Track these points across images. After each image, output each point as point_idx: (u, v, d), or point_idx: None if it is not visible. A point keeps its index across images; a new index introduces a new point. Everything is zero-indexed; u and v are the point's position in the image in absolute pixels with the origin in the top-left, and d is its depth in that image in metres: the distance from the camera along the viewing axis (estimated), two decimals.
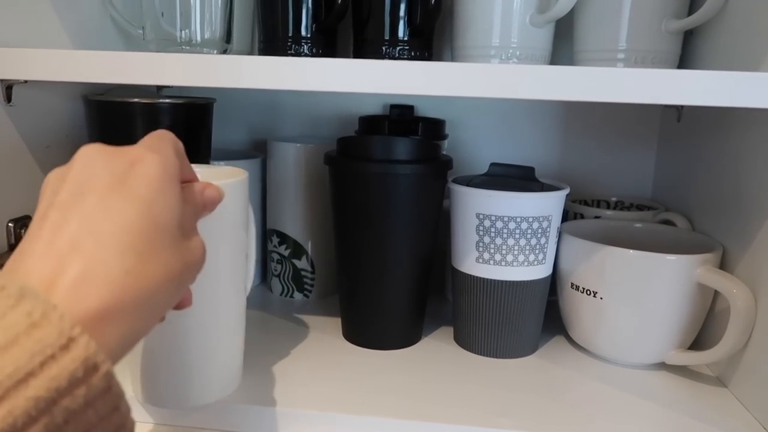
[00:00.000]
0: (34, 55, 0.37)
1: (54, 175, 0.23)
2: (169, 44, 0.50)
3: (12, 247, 0.40)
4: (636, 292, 0.41)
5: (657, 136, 0.59)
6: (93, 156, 0.22)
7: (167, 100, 0.48)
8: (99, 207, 0.21)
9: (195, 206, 0.26)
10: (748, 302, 0.38)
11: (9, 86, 0.40)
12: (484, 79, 0.35)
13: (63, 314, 0.18)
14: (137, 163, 0.22)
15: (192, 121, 0.49)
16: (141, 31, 0.51)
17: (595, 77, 0.34)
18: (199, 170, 0.31)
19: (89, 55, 0.37)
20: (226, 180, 0.34)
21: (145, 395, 0.36)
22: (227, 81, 0.37)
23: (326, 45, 0.53)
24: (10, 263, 0.20)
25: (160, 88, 0.61)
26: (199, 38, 0.50)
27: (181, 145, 0.26)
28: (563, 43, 0.51)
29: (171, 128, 0.46)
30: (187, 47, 0.50)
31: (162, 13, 0.50)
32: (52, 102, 0.46)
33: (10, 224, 0.40)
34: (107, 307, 0.19)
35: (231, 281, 0.37)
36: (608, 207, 0.57)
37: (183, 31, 0.50)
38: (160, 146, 0.24)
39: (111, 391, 0.19)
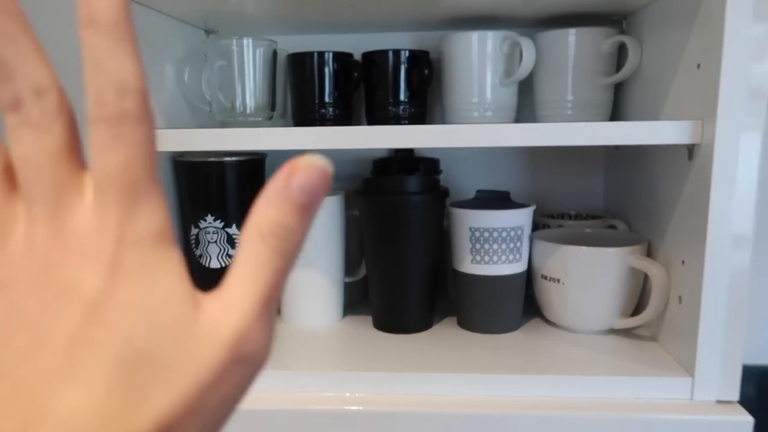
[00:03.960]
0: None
1: None
2: (228, 114, 0.66)
3: None
4: (588, 277, 0.57)
5: (603, 163, 0.76)
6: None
7: (233, 158, 0.63)
8: None
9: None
10: (664, 279, 0.54)
11: None
12: (472, 135, 0.51)
13: None
14: None
15: (257, 172, 0.65)
16: (208, 107, 0.67)
17: (550, 130, 0.50)
18: None
19: (189, 133, 0.53)
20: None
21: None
22: (289, 144, 0.53)
23: (344, 107, 0.69)
24: None
25: None
26: (252, 109, 0.66)
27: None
28: (527, 95, 0.68)
29: (240, 182, 0.61)
30: (242, 117, 0.66)
31: (219, 88, 0.66)
32: (160, 163, 0.61)
33: None
34: None
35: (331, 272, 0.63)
36: (570, 218, 0.73)
37: (238, 105, 0.66)
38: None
39: None
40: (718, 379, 0.49)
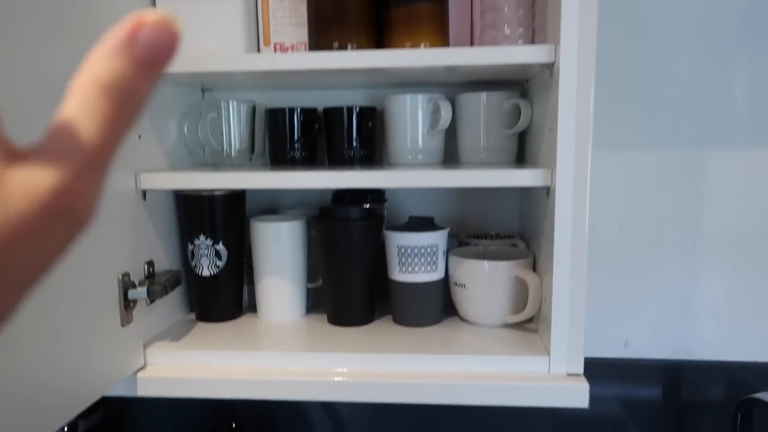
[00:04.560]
0: (158, 176, 0.72)
1: None
2: (218, 156, 0.86)
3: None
4: (485, 284, 0.76)
5: (519, 194, 0.94)
6: None
7: (221, 192, 0.82)
8: None
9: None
10: (537, 285, 0.72)
11: (144, 192, 0.74)
12: (406, 178, 0.70)
13: None
14: None
15: (238, 203, 0.83)
16: (202, 151, 0.86)
17: (464, 175, 0.69)
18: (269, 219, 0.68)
19: (187, 175, 0.72)
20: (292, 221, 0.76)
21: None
22: (262, 184, 0.72)
23: (310, 150, 0.89)
24: None
25: None
26: (236, 152, 0.85)
27: None
28: (452, 142, 0.87)
29: (225, 211, 0.80)
30: (228, 159, 0.85)
31: (211, 135, 0.85)
32: (165, 196, 0.80)
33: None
34: None
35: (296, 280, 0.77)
36: (491, 238, 0.92)
37: (225, 149, 0.85)
38: None
39: None
40: (566, 358, 0.67)
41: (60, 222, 0.16)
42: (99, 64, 0.17)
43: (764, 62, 0.91)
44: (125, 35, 0.17)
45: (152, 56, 0.17)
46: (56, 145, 0.17)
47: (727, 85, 0.92)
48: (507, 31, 0.68)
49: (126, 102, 0.17)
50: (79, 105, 0.17)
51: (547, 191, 0.68)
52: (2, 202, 0.16)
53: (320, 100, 0.92)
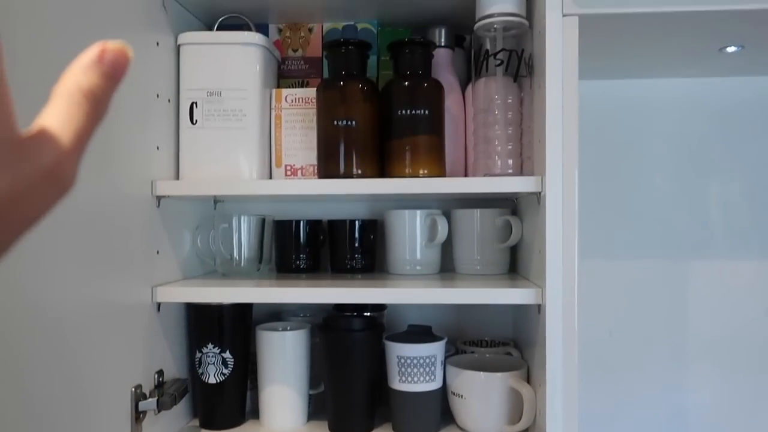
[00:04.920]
0: (173, 289, 0.77)
1: None
2: (228, 266, 0.91)
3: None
4: (481, 394, 0.79)
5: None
6: None
7: (228, 303, 0.86)
8: None
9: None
10: (532, 397, 0.75)
11: (159, 304, 0.78)
12: (406, 295, 0.74)
13: None
14: None
15: (246, 312, 0.87)
16: (213, 261, 0.91)
17: (460, 293, 0.74)
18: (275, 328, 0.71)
19: (199, 289, 0.76)
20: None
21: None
22: (269, 298, 0.76)
23: (314, 259, 0.94)
24: None
25: None
26: (245, 261, 0.90)
27: None
28: (449, 253, 0.92)
29: (233, 320, 0.84)
30: (237, 268, 0.90)
31: (222, 244, 0.90)
32: (177, 305, 0.85)
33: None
34: None
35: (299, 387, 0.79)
36: (486, 345, 0.95)
37: (235, 258, 0.90)
38: None
39: None
40: None
41: (53, 186, 0.23)
42: (80, 76, 0.24)
43: (733, 179, 0.99)
44: (95, 56, 0.24)
45: (113, 71, 0.24)
46: (53, 130, 0.23)
47: (702, 200, 1.00)
48: (498, 162, 0.75)
49: (99, 103, 0.24)
50: (66, 102, 0.24)
51: (538, 308, 0.73)
52: (16, 169, 0.22)
53: (325, 210, 0.98)
